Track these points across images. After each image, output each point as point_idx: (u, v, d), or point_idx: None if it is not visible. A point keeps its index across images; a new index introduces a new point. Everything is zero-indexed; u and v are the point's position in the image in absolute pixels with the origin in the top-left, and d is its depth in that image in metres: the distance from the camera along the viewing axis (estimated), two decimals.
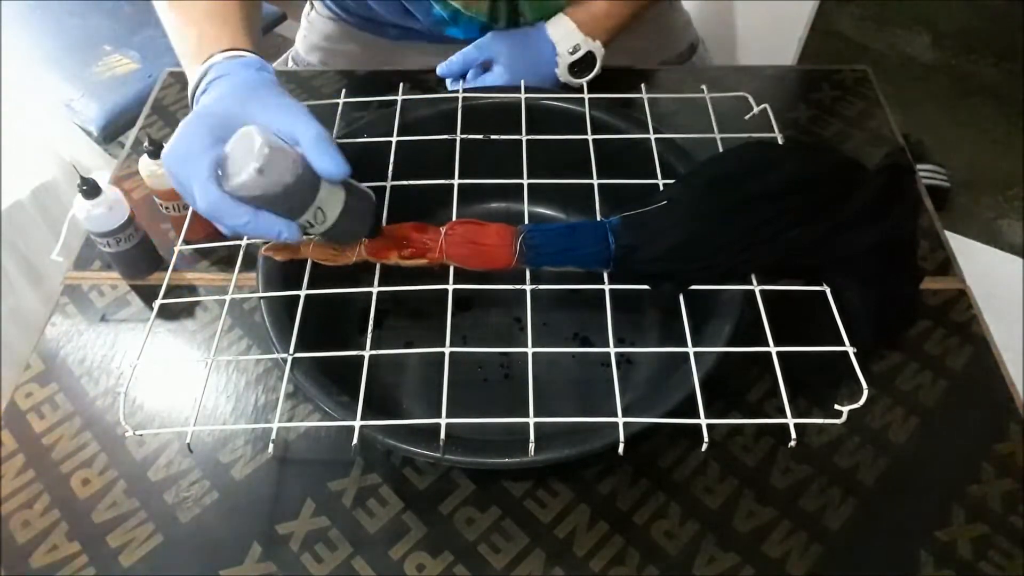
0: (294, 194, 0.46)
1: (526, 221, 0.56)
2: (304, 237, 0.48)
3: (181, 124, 0.49)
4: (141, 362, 0.53)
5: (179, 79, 0.87)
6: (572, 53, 0.73)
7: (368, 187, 0.52)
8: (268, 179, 0.44)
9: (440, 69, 0.74)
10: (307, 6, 0.95)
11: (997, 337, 0.63)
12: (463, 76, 0.74)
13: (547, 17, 0.75)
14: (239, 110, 0.50)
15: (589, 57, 0.74)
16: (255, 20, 0.65)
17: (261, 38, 0.63)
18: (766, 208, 0.51)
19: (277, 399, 0.53)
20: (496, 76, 0.73)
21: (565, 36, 0.74)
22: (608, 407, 0.48)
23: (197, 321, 0.66)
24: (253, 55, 0.57)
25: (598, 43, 0.74)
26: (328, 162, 0.46)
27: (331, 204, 0.48)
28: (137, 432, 0.50)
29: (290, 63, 0.97)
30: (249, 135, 0.45)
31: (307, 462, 0.57)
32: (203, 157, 0.46)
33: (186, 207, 0.64)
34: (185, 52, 0.61)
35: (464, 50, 0.73)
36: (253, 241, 0.57)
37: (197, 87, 0.56)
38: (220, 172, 0.46)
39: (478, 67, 0.75)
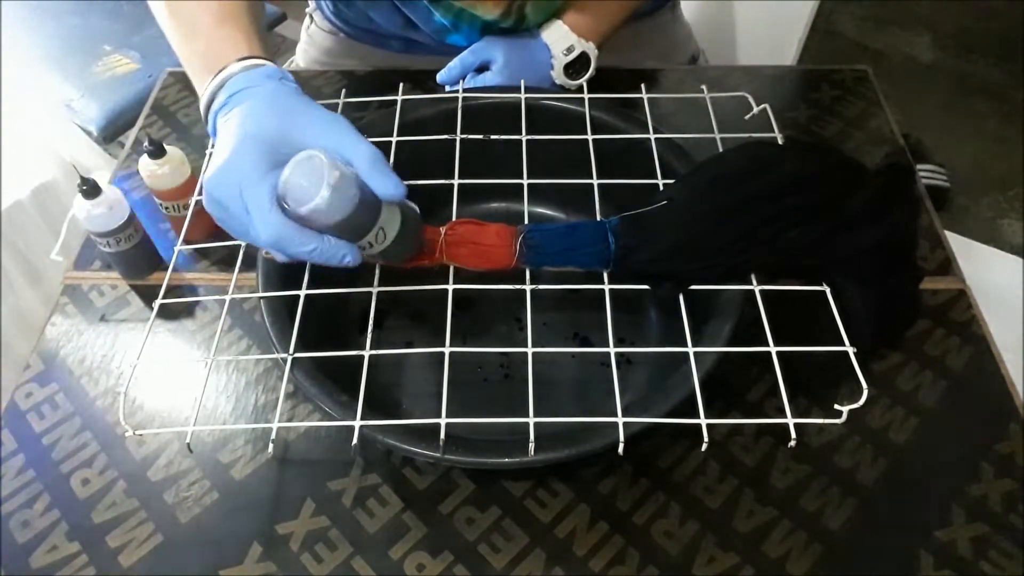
0: (360, 217, 0.45)
1: (526, 221, 0.56)
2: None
3: (225, 150, 0.47)
4: (141, 362, 0.53)
5: (179, 79, 0.87)
6: (567, 54, 0.74)
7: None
8: (338, 204, 0.43)
9: (440, 76, 0.74)
10: (307, 19, 0.95)
11: (997, 337, 0.63)
12: (462, 80, 0.74)
13: (548, 19, 0.76)
14: (286, 130, 0.47)
15: (583, 58, 0.75)
16: (261, 20, 0.63)
17: (266, 42, 0.61)
18: (766, 208, 0.51)
19: (277, 399, 0.53)
20: (493, 76, 0.73)
21: (559, 39, 0.74)
22: (608, 407, 0.48)
23: (197, 321, 0.66)
24: (270, 63, 0.54)
25: (591, 44, 0.75)
26: (388, 184, 0.46)
27: (391, 223, 0.48)
28: (137, 432, 0.50)
29: None
30: (313, 159, 0.43)
31: (307, 462, 0.57)
32: (261, 184, 0.44)
33: (186, 207, 0.64)
34: (192, 62, 0.58)
35: (461, 55, 0.74)
36: None
37: (212, 100, 0.53)
38: (283, 200, 0.44)
39: (475, 72, 0.75)
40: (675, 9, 0.93)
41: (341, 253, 0.46)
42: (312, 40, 0.93)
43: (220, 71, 0.53)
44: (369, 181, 0.46)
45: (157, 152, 0.64)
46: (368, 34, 0.87)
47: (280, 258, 0.47)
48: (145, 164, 0.65)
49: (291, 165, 0.44)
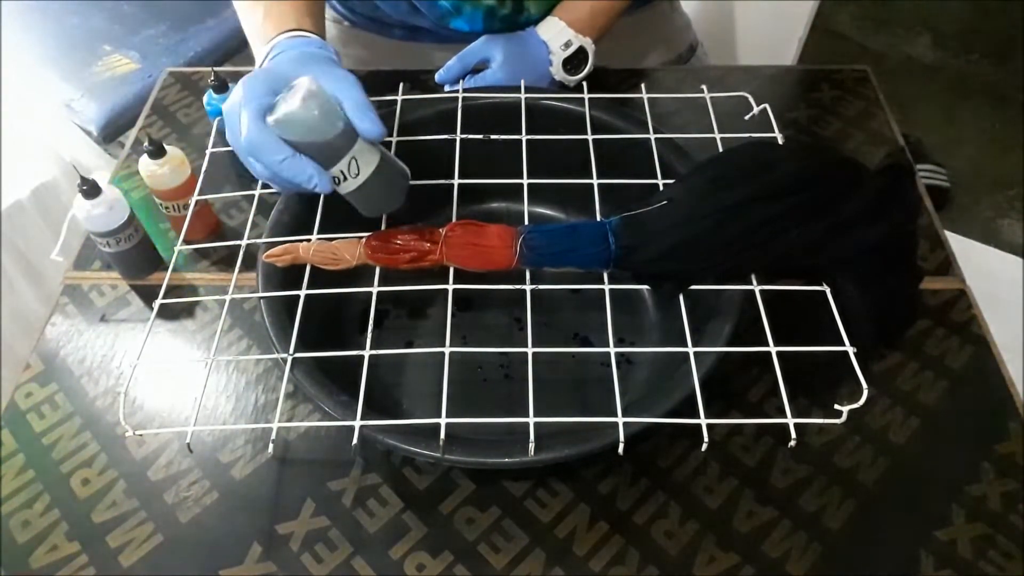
0: (332, 140, 0.50)
1: (526, 221, 0.56)
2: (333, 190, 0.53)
3: (240, 81, 0.54)
4: (141, 362, 0.53)
5: (179, 79, 0.87)
6: (565, 49, 0.74)
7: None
8: (308, 116, 0.49)
9: (439, 76, 0.75)
10: None
11: (997, 337, 0.63)
12: (461, 80, 0.74)
13: (548, 10, 0.76)
14: (295, 71, 0.54)
15: (582, 53, 0.75)
16: (319, 6, 0.69)
17: (323, 31, 0.67)
18: (766, 208, 0.51)
19: (277, 399, 0.53)
20: (493, 73, 0.73)
21: (557, 34, 0.75)
22: (608, 407, 0.48)
23: (197, 321, 0.66)
24: (315, 36, 0.61)
25: (588, 40, 0.75)
26: (367, 122, 0.52)
27: (366, 160, 0.52)
28: (137, 432, 0.50)
29: None
30: (299, 82, 0.50)
31: (307, 462, 0.57)
32: (254, 101, 0.51)
33: (186, 207, 0.64)
34: (251, 34, 0.65)
35: (460, 54, 0.74)
36: (253, 241, 0.57)
37: (262, 66, 0.60)
38: (269, 115, 0.50)
39: (472, 73, 0.75)
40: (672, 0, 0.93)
41: (309, 172, 0.51)
42: None
43: (271, 40, 0.61)
44: (352, 116, 0.52)
45: (157, 152, 0.64)
46: (372, 22, 0.88)
47: (259, 170, 0.53)
48: (145, 164, 0.65)
49: (284, 90, 0.51)
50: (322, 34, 0.63)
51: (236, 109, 0.52)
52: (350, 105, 0.52)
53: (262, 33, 0.62)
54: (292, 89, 0.50)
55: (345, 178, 0.52)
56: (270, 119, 0.50)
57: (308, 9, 0.65)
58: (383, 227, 0.56)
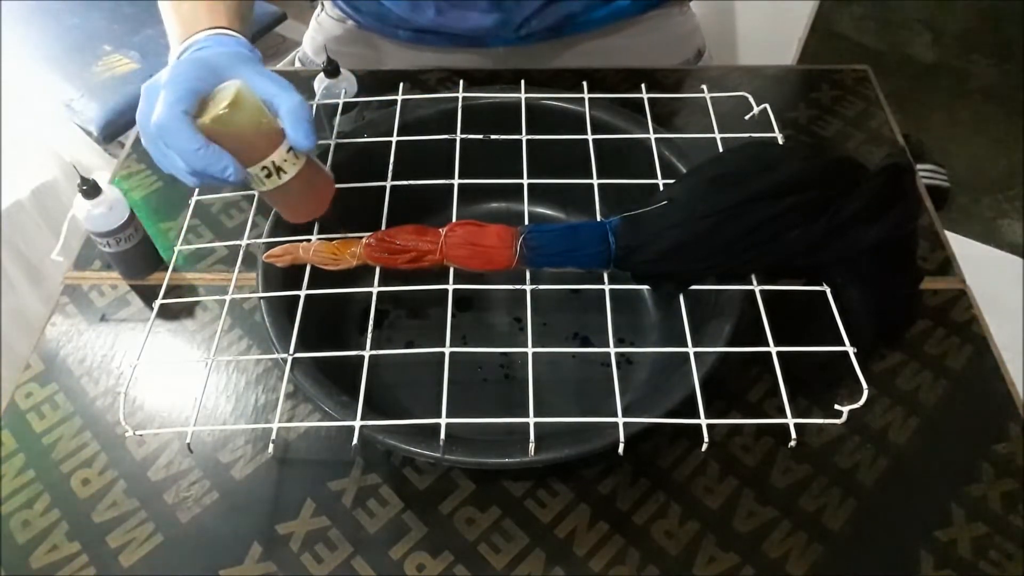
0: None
1: (526, 221, 0.56)
2: (252, 187, 0.51)
3: (169, 64, 0.50)
4: (141, 362, 0.53)
5: None
6: None
7: (365, 186, 0.53)
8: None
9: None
10: (318, 7, 0.96)
11: (997, 337, 0.63)
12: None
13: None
14: (227, 67, 0.50)
15: None
16: (246, 16, 0.64)
17: (249, 35, 0.61)
18: (766, 208, 0.51)
19: (277, 399, 0.53)
20: None
21: None
22: (608, 407, 0.48)
23: (197, 321, 0.66)
24: (241, 37, 0.57)
25: None
26: (300, 133, 0.49)
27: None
28: (137, 432, 0.50)
29: (296, 63, 0.97)
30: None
31: (307, 462, 0.57)
32: (180, 85, 0.47)
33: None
34: (176, 22, 0.60)
35: None
36: (253, 241, 0.57)
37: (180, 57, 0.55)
38: (195, 115, 0.48)
39: None
40: (683, 2, 0.93)
41: (223, 163, 0.48)
42: (321, 27, 0.95)
43: (191, 35, 0.56)
44: (285, 124, 0.49)
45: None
46: (377, 22, 0.88)
47: (166, 160, 0.49)
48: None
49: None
50: (245, 34, 0.59)
51: (156, 90, 0.48)
52: (285, 111, 0.49)
53: (191, 21, 0.57)
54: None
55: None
56: (197, 122, 0.47)
57: (238, 10, 0.61)
58: (383, 227, 0.56)
